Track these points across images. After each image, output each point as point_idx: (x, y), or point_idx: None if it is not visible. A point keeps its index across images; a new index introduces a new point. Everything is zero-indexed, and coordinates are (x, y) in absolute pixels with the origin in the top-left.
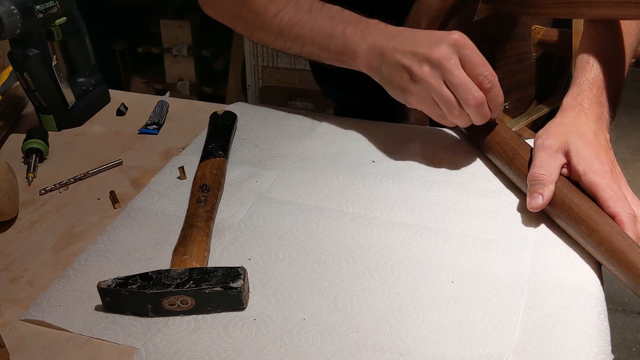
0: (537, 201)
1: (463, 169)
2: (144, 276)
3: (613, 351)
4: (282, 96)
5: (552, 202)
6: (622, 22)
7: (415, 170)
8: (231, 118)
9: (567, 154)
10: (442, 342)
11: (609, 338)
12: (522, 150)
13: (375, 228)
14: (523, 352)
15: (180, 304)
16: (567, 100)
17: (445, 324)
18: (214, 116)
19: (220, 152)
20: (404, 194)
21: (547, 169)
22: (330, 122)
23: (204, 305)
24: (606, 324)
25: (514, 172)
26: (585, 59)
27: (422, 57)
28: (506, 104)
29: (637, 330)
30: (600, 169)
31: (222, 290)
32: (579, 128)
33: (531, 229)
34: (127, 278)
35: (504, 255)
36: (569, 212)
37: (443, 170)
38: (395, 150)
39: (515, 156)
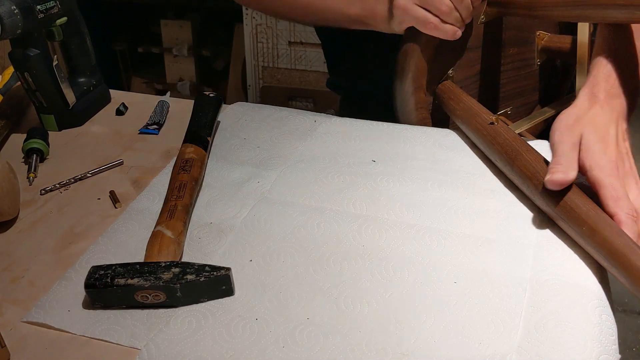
0: (559, 176)
1: (463, 169)
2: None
3: None
4: (283, 96)
5: (554, 202)
6: (633, 26)
7: (415, 170)
8: (217, 101)
9: (579, 148)
10: (444, 342)
11: (614, 337)
12: (524, 151)
13: (376, 228)
14: (525, 352)
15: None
16: (583, 91)
17: (448, 324)
18: (201, 96)
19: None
20: (404, 194)
21: (567, 159)
22: (331, 122)
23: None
24: (609, 323)
25: (516, 172)
26: (600, 59)
27: None
28: (508, 109)
29: (637, 330)
30: (606, 165)
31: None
32: (593, 120)
33: (533, 228)
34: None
35: (506, 255)
36: (570, 213)
37: (443, 170)
38: (395, 150)
39: (516, 157)
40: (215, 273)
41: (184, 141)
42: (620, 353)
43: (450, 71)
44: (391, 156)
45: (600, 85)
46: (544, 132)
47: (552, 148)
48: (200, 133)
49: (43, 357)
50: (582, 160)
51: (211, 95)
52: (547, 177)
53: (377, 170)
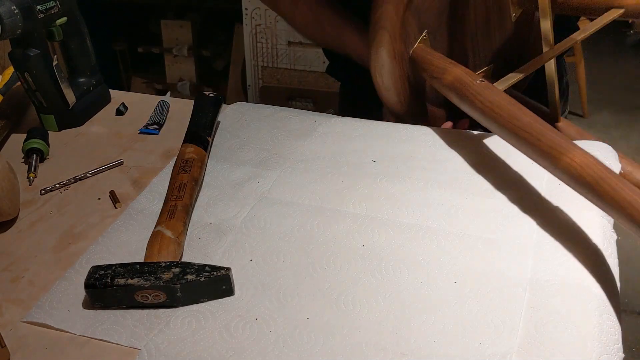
0: None
1: (463, 169)
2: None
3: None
4: (282, 96)
5: None
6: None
7: (415, 170)
8: (217, 101)
9: None
10: (444, 342)
11: (617, 337)
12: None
13: (376, 228)
14: (525, 352)
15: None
16: None
17: (448, 324)
18: (201, 96)
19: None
20: (404, 194)
21: None
22: (331, 122)
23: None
24: (611, 323)
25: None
26: None
27: None
28: (488, 68)
29: (637, 330)
30: None
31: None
32: None
33: (533, 228)
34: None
35: (506, 255)
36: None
37: (443, 170)
38: (395, 150)
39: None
40: (215, 273)
41: (184, 141)
42: None
43: (424, 34)
44: (391, 156)
45: None
46: (526, 92)
47: None
48: (200, 133)
49: (43, 357)
50: None
51: (211, 95)
52: None
53: (377, 170)
